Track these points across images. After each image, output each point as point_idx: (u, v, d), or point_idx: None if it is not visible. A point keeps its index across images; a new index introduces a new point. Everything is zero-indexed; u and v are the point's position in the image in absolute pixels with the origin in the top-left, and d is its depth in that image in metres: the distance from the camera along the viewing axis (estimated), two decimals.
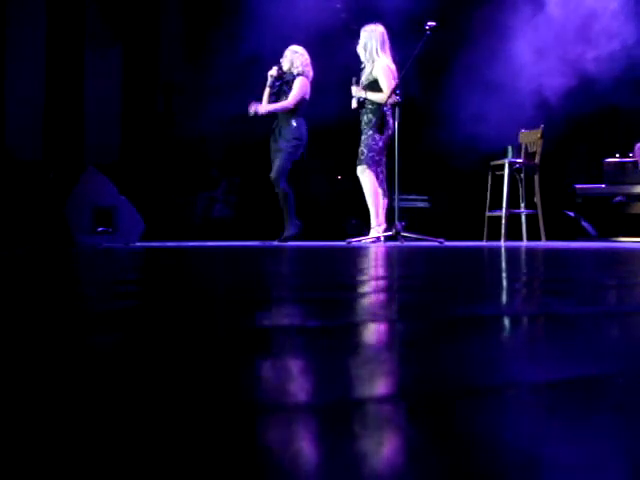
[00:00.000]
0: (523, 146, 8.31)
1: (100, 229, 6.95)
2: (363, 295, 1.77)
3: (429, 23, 7.07)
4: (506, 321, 1.24)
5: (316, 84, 7.63)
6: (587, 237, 8.82)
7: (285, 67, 7.61)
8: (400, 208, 7.29)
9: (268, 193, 8.91)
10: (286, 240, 7.44)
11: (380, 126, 7.22)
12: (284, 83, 7.62)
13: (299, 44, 7.67)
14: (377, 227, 7.27)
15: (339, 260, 3.93)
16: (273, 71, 7.61)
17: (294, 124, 7.51)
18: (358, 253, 4.76)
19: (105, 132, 9.52)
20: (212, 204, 9.76)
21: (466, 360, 0.85)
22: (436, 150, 8.88)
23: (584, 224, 8.91)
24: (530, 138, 8.29)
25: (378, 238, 7.18)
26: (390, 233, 7.11)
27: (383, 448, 0.52)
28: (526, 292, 1.89)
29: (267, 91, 7.64)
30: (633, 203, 8.69)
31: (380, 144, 7.24)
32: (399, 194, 7.25)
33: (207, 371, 0.80)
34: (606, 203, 8.75)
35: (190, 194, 9.65)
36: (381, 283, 2.18)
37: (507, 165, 7.96)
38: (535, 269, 3.11)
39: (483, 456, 0.50)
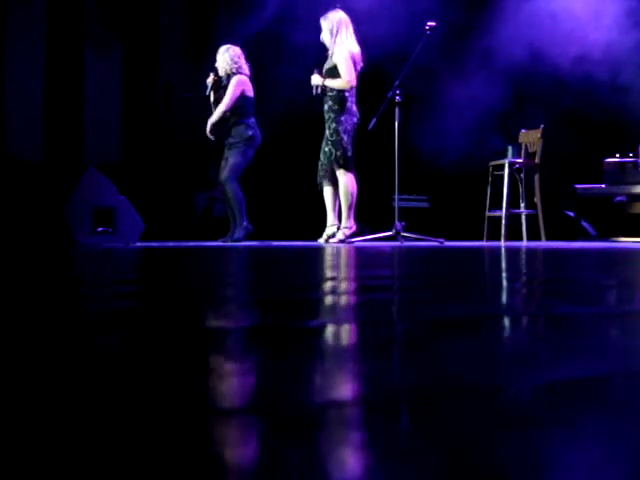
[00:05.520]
0: (523, 146, 8.30)
1: (100, 229, 6.94)
2: (360, 294, 1.77)
3: (429, 23, 7.05)
4: (505, 321, 1.24)
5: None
6: (587, 237, 8.81)
7: (221, 72, 7.49)
8: (400, 208, 7.28)
9: (267, 193, 8.91)
10: (234, 241, 7.25)
11: (339, 111, 7.08)
12: (221, 88, 7.50)
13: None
14: (346, 229, 7.06)
15: (340, 260, 3.93)
16: (210, 78, 7.49)
17: (242, 125, 7.39)
18: (354, 253, 4.76)
19: (105, 132, 9.51)
20: (212, 204, 9.76)
21: (463, 360, 0.85)
22: (436, 150, 8.86)
23: (584, 224, 8.90)
24: (530, 138, 8.28)
25: (344, 240, 6.99)
26: (390, 233, 7.10)
27: (372, 448, 0.51)
28: (526, 292, 1.89)
29: (211, 98, 7.57)
30: (633, 203, 8.68)
31: (345, 137, 7.02)
32: (399, 194, 7.23)
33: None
34: (606, 203, 8.74)
35: (190, 194, 9.64)
36: (379, 283, 2.18)
37: (507, 165, 7.95)
38: (535, 269, 3.11)
39: (479, 456, 0.50)
